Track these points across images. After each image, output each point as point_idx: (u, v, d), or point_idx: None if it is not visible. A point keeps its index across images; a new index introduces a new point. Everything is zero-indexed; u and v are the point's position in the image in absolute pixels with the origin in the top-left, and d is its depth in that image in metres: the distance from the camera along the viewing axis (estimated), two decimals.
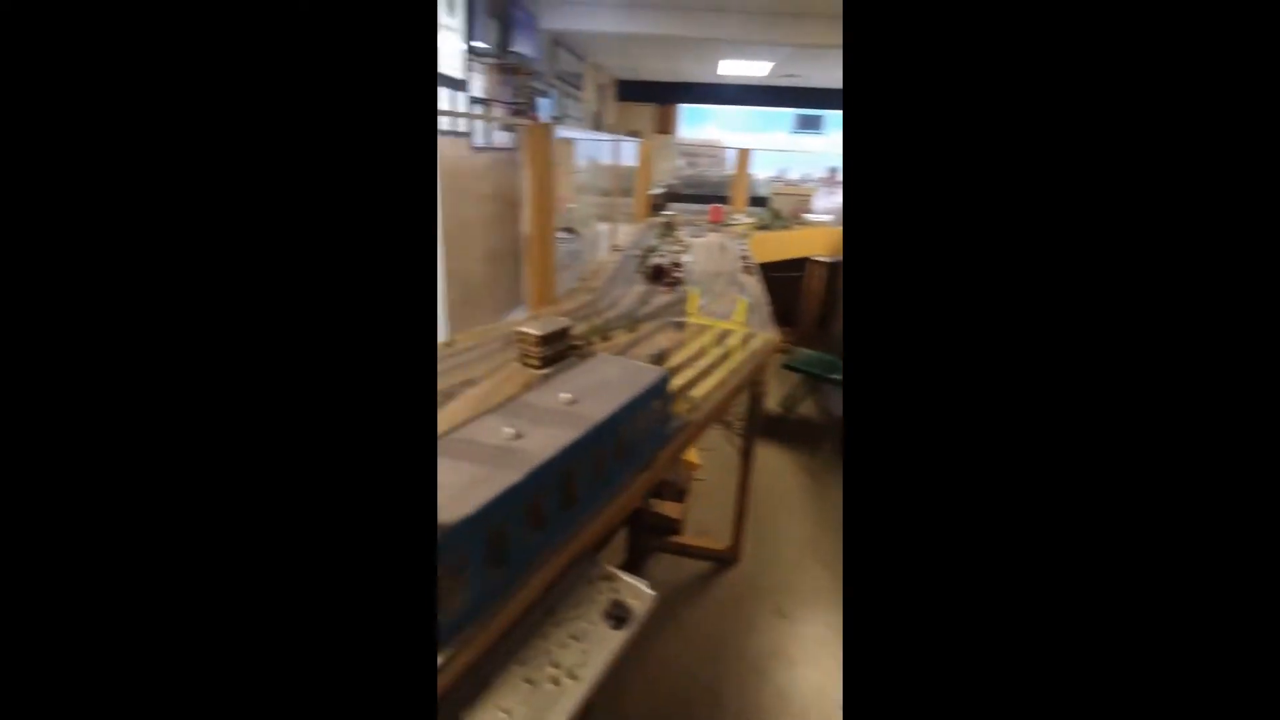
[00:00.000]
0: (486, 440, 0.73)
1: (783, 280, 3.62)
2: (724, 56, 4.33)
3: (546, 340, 1.22)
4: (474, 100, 3.13)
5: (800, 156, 6.37)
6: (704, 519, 1.97)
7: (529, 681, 0.67)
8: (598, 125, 5.18)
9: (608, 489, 0.86)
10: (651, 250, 2.60)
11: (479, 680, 0.66)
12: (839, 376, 2.63)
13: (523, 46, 3.44)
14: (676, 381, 1.22)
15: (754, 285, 2.16)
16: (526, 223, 1.41)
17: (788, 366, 2.79)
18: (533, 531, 0.72)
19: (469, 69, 3.03)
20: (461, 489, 0.62)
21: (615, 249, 2.98)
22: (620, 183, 3.50)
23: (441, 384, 1.20)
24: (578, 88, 4.47)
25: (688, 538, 1.88)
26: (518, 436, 0.74)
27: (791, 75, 5.10)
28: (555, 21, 3.57)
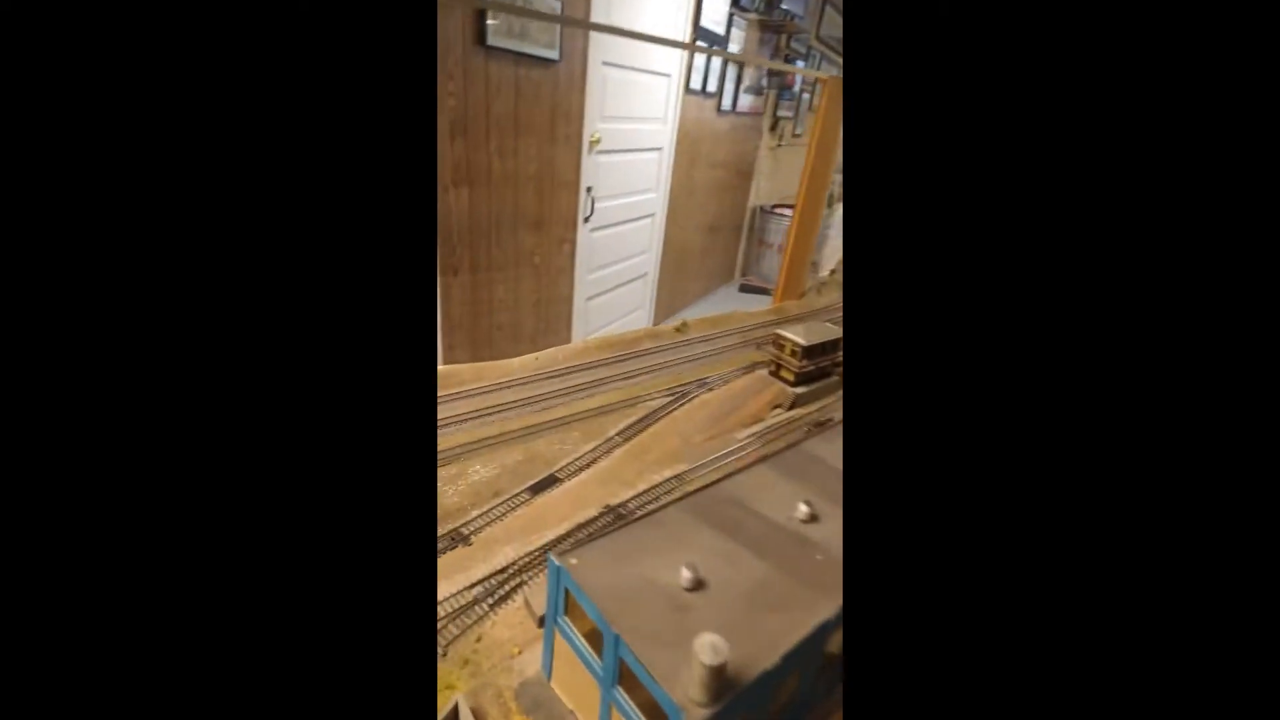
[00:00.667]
0: (773, 515, 0.50)
1: None
2: None
3: (811, 352, 0.96)
4: (727, 59, 2.89)
5: None
6: None
7: None
8: None
9: None
10: None
11: None
12: None
13: (791, 4, 3.11)
14: None
15: None
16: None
17: None
18: (823, 678, 0.47)
19: (730, 24, 2.78)
20: (761, 607, 0.40)
21: None
22: None
23: (673, 378, 1.00)
24: (839, 53, 4.01)
25: None
26: (812, 518, 0.50)
27: None
28: None
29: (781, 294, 1.44)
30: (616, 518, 0.67)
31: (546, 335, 2.23)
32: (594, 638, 0.40)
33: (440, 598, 0.55)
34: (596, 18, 1.83)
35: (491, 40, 1.56)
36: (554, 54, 1.78)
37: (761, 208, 3.96)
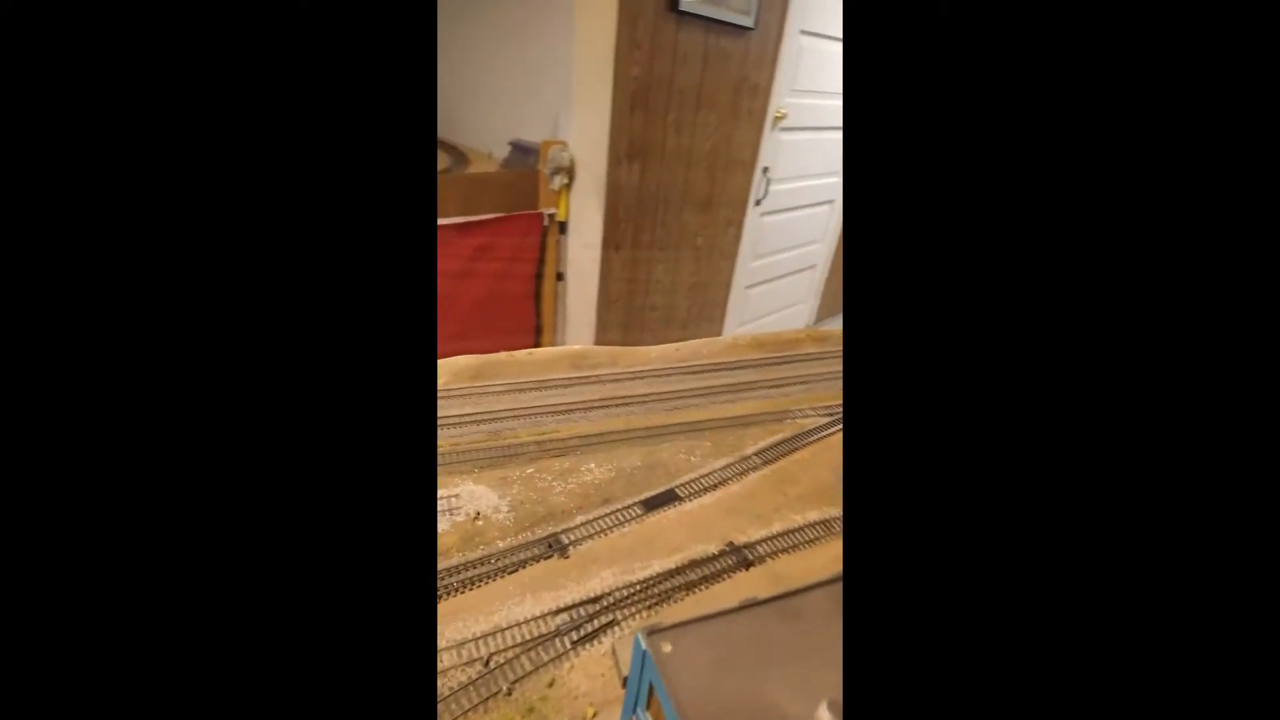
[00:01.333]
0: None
1: None
2: None
3: None
4: None
5: None
6: None
7: None
8: None
9: None
10: None
11: None
12: None
13: None
14: None
15: None
16: None
17: None
18: None
19: None
20: None
21: None
22: None
23: (833, 394, 0.84)
24: None
25: None
26: None
27: None
28: None
29: None
30: (741, 562, 0.55)
31: (699, 322, 2.13)
32: None
33: (523, 618, 0.48)
34: None
35: (684, 5, 1.47)
36: (749, 21, 1.65)
37: None
